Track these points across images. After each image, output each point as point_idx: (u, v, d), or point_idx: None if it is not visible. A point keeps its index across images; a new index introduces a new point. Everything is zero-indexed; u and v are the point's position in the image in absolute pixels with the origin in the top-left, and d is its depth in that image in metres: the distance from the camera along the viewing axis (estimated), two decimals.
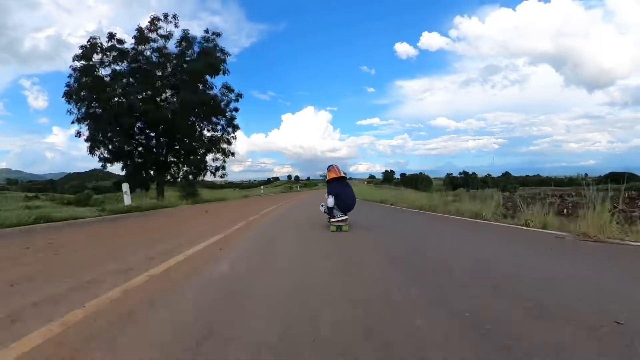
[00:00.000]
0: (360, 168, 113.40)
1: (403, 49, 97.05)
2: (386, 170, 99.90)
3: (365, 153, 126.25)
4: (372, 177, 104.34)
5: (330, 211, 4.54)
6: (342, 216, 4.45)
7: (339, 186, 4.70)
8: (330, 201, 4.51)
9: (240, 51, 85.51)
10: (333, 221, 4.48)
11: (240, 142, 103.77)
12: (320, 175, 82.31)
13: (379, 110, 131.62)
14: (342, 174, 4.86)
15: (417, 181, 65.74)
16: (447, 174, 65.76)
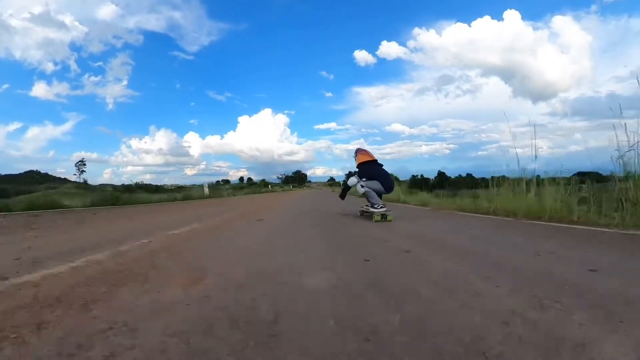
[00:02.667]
0: (317, 172, 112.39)
1: (362, 56, 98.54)
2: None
3: (322, 157, 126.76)
4: (332, 179, 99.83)
5: (371, 197, 4.29)
6: (382, 205, 4.23)
7: (374, 168, 4.58)
8: (375, 184, 4.35)
9: (199, 49, 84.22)
10: (376, 210, 4.19)
11: (195, 145, 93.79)
12: (277, 177, 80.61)
13: (337, 115, 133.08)
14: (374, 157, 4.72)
15: None
16: (413, 175, 65.03)
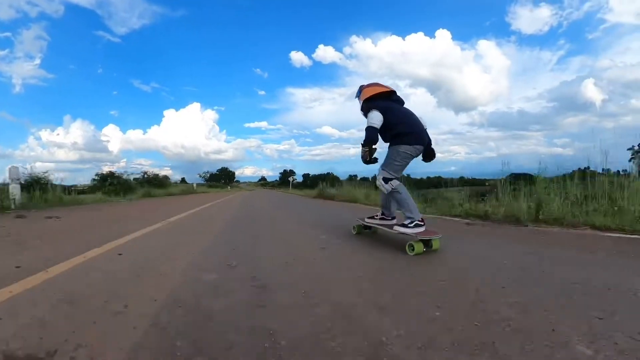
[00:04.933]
0: (247, 172, 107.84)
1: (298, 57, 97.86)
2: (284, 170, 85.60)
3: (252, 157, 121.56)
4: (263, 179, 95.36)
5: (404, 204, 2.37)
6: (420, 220, 2.30)
7: (393, 108, 2.50)
8: (403, 154, 2.41)
9: (128, 32, 71.46)
10: (413, 231, 2.25)
11: (115, 139, 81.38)
12: (200, 177, 66.64)
13: (268, 115, 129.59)
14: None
15: (325, 182, 57.57)
16: (349, 175, 62.90)
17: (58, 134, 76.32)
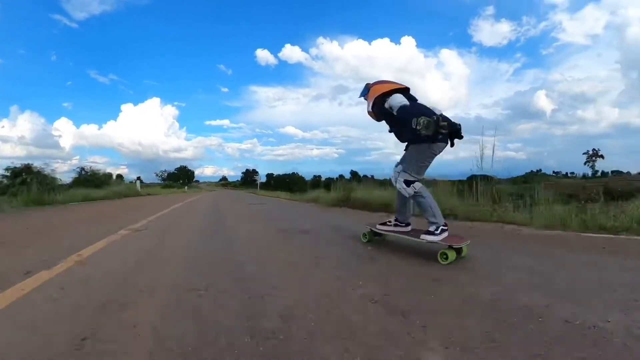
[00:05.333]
0: (207, 171, 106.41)
1: (264, 55, 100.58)
2: (247, 170, 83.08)
3: (213, 155, 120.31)
4: (224, 179, 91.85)
5: (426, 208, 2.17)
6: (444, 225, 2.14)
7: (408, 100, 2.24)
8: (424, 153, 2.19)
9: (87, 18, 69.17)
10: (437, 238, 2.08)
11: (67, 134, 73.91)
12: (157, 176, 62.65)
13: (231, 112, 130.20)
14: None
15: (290, 182, 57.56)
16: (314, 175, 65.84)
17: (3, 127, 62.45)
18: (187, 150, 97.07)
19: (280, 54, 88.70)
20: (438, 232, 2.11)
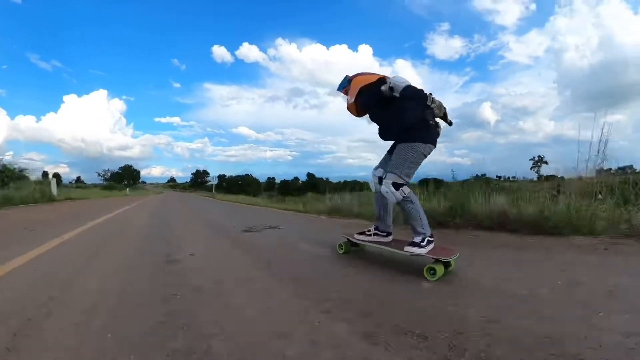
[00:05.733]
0: (154, 172, 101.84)
1: (220, 52, 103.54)
2: (197, 171, 79.21)
3: (161, 155, 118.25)
4: (172, 180, 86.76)
5: (413, 216, 1.91)
6: (430, 236, 1.90)
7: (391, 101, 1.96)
8: (417, 151, 1.89)
9: None
10: (423, 250, 1.83)
11: None
12: (99, 176, 58.76)
13: (182, 110, 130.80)
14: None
15: (244, 184, 58.06)
16: (268, 177, 70.63)
17: None
18: (133, 148, 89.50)
19: (237, 52, 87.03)
20: (424, 243, 1.87)
